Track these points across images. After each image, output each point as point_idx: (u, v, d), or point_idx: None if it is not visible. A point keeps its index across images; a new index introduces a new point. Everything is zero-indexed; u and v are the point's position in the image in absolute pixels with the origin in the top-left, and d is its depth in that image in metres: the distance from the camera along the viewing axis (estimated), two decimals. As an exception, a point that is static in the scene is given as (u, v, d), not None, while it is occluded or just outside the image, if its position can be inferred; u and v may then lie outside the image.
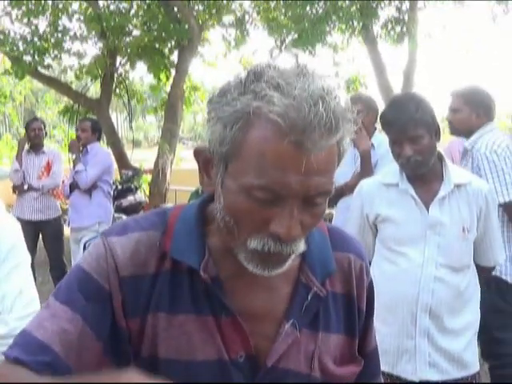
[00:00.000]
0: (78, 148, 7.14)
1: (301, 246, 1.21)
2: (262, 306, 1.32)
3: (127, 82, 13.93)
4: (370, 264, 3.13)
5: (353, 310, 1.42)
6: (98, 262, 1.29)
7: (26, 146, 7.82)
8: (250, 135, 1.13)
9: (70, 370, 1.21)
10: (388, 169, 3.28)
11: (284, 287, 1.34)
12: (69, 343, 1.23)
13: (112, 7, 12.23)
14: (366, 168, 4.68)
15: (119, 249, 1.29)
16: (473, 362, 3.11)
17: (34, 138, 7.72)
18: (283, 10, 12.41)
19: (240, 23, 12.94)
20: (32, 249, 6.96)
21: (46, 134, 8.03)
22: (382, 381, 1.62)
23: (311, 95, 1.09)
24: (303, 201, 1.15)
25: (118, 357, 1.28)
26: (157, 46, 12.18)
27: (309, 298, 1.33)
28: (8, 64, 12.77)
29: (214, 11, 12.44)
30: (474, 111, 4.31)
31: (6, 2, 11.91)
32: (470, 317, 3.11)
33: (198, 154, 1.28)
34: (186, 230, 1.32)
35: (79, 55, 12.44)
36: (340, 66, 13.44)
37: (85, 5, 12.46)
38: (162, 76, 12.91)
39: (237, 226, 1.20)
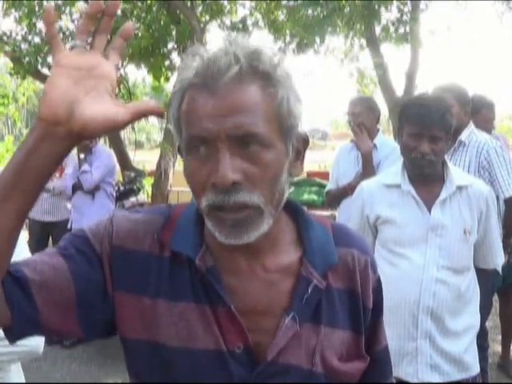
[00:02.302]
0: (89, 148, 7.12)
1: (250, 197, 1.21)
2: (262, 300, 1.32)
3: (129, 82, 13.95)
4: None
5: (358, 306, 1.42)
6: (97, 227, 1.36)
7: None
8: (183, 103, 1.25)
9: (32, 298, 1.23)
10: (389, 170, 3.28)
11: (285, 281, 1.34)
12: (42, 271, 1.26)
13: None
14: (368, 169, 4.70)
15: (120, 221, 1.36)
16: (473, 363, 3.11)
17: None
18: (284, 11, 12.40)
19: (242, 24, 12.92)
20: (42, 250, 6.95)
21: None
22: (394, 380, 1.61)
23: (224, 52, 1.21)
24: (236, 145, 1.20)
25: (91, 321, 1.30)
26: (158, 47, 12.17)
27: (309, 291, 1.32)
28: (10, 65, 12.78)
29: (215, 12, 12.44)
30: (462, 108, 4.34)
31: (8, 3, 11.92)
32: (471, 319, 3.11)
33: (180, 150, 1.35)
34: (186, 224, 1.35)
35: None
36: (341, 66, 13.42)
37: (86, 6, 12.48)
38: (163, 77, 12.91)
39: (193, 192, 1.26)
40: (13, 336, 1.26)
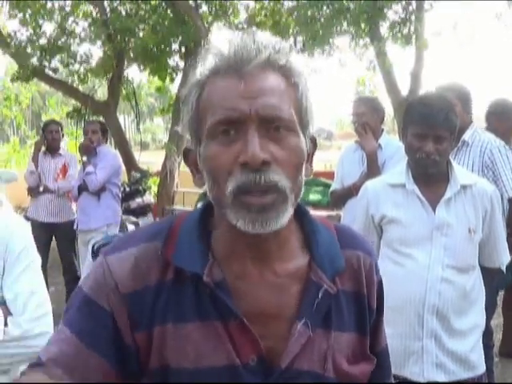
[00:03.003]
0: (91, 150, 7.14)
1: (279, 178, 1.21)
2: (272, 306, 1.31)
3: (133, 83, 13.96)
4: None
5: (363, 307, 1.41)
6: (98, 284, 1.31)
7: (43, 148, 7.82)
8: (204, 92, 1.27)
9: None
10: (394, 169, 3.29)
11: (294, 286, 1.33)
12: (66, 363, 1.25)
13: (119, 9, 12.24)
14: (373, 169, 4.71)
15: (118, 267, 1.31)
16: (479, 362, 3.11)
17: (51, 140, 7.73)
18: (288, 14, 12.41)
19: (247, 25, 12.92)
20: (45, 251, 6.98)
21: (62, 136, 8.03)
22: (393, 379, 1.61)
23: (252, 40, 1.25)
24: (264, 128, 1.21)
25: (127, 372, 1.29)
26: (163, 48, 12.17)
27: (319, 296, 1.31)
28: (14, 67, 12.80)
29: (220, 13, 12.45)
30: (464, 107, 4.35)
31: (12, 4, 11.94)
32: (476, 318, 3.11)
33: (186, 153, 1.37)
34: (189, 237, 1.33)
35: (86, 58, 12.46)
36: (346, 67, 13.43)
37: (91, 7, 12.49)
38: (167, 78, 12.90)
39: (216, 177, 1.25)
40: None
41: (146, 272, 1.30)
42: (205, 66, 1.28)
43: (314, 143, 1.36)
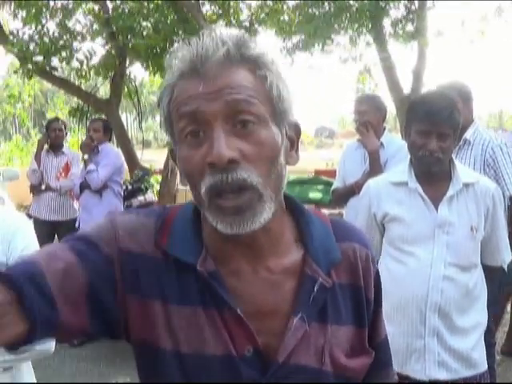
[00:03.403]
0: (92, 148, 7.14)
1: (248, 175, 1.19)
2: (268, 301, 1.30)
3: (136, 81, 13.96)
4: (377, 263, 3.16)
5: (361, 300, 1.41)
6: (100, 229, 1.33)
7: (46, 146, 7.83)
8: (173, 96, 1.26)
9: (47, 285, 1.20)
10: (396, 168, 3.30)
11: (289, 281, 1.32)
12: (54, 262, 1.23)
13: (121, 7, 12.24)
14: (375, 167, 4.71)
15: (120, 223, 1.32)
16: (481, 360, 3.12)
17: (54, 138, 7.74)
18: (290, 11, 12.41)
19: (249, 24, 12.92)
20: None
21: (66, 134, 8.04)
22: (395, 371, 1.61)
23: (211, 38, 1.23)
24: (230, 125, 1.20)
25: (100, 318, 1.27)
26: (165, 46, 12.17)
27: (315, 290, 1.31)
28: (17, 65, 12.79)
29: (222, 11, 12.45)
30: (465, 105, 4.36)
31: (16, 3, 11.95)
32: (478, 316, 3.12)
33: (171, 153, 1.36)
34: (183, 227, 1.33)
35: (88, 55, 12.47)
36: (347, 64, 13.41)
37: (93, 5, 12.49)
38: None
39: (190, 180, 1.25)
40: (29, 340, 1.19)
41: (144, 241, 1.31)
42: (173, 70, 1.27)
43: (297, 129, 1.34)
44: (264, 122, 1.22)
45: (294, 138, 1.33)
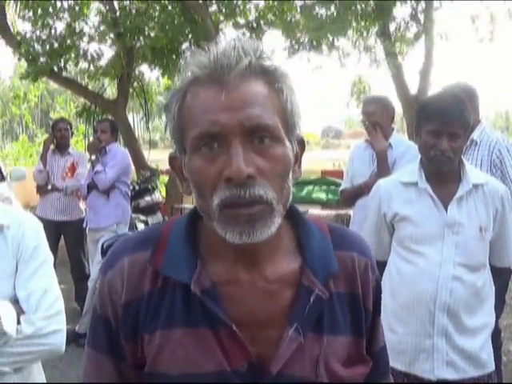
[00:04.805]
0: (98, 149, 7.13)
1: (265, 191, 1.19)
2: (263, 312, 1.30)
3: (144, 82, 13.99)
4: (385, 264, 3.16)
5: (359, 309, 1.40)
6: (103, 300, 1.38)
7: (52, 146, 7.83)
8: (185, 101, 1.26)
9: None
10: (406, 168, 3.30)
11: (285, 291, 1.32)
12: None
13: (128, 8, 12.25)
14: (383, 168, 4.70)
15: (114, 283, 1.36)
16: (489, 361, 3.13)
17: (60, 138, 7.71)
18: (298, 10, 12.40)
19: (256, 24, 12.93)
20: (53, 249, 6.99)
21: (72, 134, 8.05)
22: (392, 379, 1.61)
23: (232, 47, 1.22)
24: (247, 140, 1.19)
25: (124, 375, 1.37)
26: (172, 46, 12.17)
27: (311, 301, 1.30)
28: (24, 66, 12.82)
29: (228, 11, 12.46)
30: (471, 106, 4.35)
31: (22, 3, 11.97)
32: (486, 316, 3.12)
33: (172, 160, 1.36)
34: (177, 244, 1.33)
35: (96, 56, 12.48)
36: (347, 68, 13.44)
37: (100, 6, 12.52)
38: (177, 77, 12.90)
39: (201, 192, 1.24)
40: None
41: (139, 282, 1.33)
42: (186, 74, 1.26)
43: (302, 144, 1.35)
44: (279, 137, 1.23)
45: (298, 152, 1.34)
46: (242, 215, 1.19)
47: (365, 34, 12.38)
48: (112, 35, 11.76)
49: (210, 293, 1.27)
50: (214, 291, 1.28)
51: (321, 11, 11.52)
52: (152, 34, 11.65)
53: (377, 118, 4.96)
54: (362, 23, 11.82)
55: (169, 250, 1.32)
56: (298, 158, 1.33)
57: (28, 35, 11.98)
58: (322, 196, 9.45)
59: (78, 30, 12.16)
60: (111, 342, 1.36)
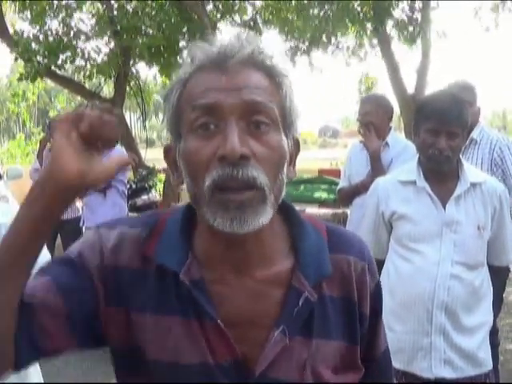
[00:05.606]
0: None
1: (258, 174, 1.18)
2: (251, 311, 1.28)
3: (140, 81, 14.00)
4: (383, 262, 3.16)
5: (353, 314, 1.37)
6: (85, 249, 1.34)
7: (48, 145, 7.77)
8: (185, 89, 1.26)
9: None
10: (404, 166, 3.30)
11: (274, 292, 1.30)
12: (35, 295, 1.26)
13: (125, 7, 12.25)
14: (377, 168, 4.69)
15: (106, 239, 1.33)
16: (486, 359, 3.13)
17: None
18: (295, 10, 12.42)
19: (253, 22, 12.94)
20: (50, 248, 6.98)
21: None
22: (395, 382, 1.59)
23: (236, 37, 1.25)
24: (244, 123, 1.20)
25: (85, 335, 1.30)
26: (169, 45, 12.17)
27: (300, 304, 1.28)
28: (21, 65, 12.80)
29: (225, 10, 12.47)
30: (470, 105, 4.36)
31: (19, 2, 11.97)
32: (484, 315, 3.13)
33: (166, 151, 1.36)
34: (172, 233, 1.32)
35: (92, 55, 12.49)
36: (352, 66, 13.46)
37: (98, 5, 12.53)
38: (174, 75, 12.89)
39: (194, 173, 1.22)
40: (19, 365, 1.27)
41: (130, 254, 1.32)
42: (188, 64, 1.27)
43: (297, 145, 1.34)
44: (276, 127, 1.23)
45: (293, 152, 1.33)
46: (233, 201, 1.17)
47: (362, 33, 12.39)
48: (109, 33, 11.76)
49: (200, 285, 1.26)
50: (202, 284, 1.27)
51: (315, 11, 11.53)
52: (149, 32, 11.65)
53: (372, 118, 4.94)
54: (358, 24, 11.83)
55: (163, 237, 1.32)
56: (292, 158, 1.33)
57: (25, 35, 11.98)
58: (320, 195, 9.45)
59: (75, 29, 12.16)
60: (74, 287, 1.30)
